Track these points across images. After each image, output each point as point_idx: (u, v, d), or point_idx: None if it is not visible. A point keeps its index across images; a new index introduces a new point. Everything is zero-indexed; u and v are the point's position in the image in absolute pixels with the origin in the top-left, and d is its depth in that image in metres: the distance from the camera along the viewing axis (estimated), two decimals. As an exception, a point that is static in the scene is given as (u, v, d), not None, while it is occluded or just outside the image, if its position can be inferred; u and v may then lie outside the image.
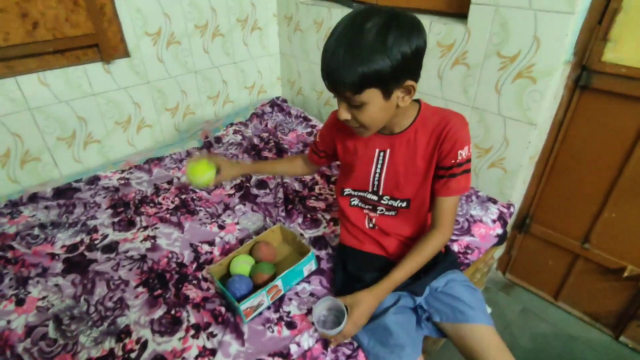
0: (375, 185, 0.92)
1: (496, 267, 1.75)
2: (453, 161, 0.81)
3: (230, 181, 1.42)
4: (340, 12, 1.65)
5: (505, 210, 1.25)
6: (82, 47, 1.39)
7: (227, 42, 1.82)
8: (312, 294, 0.99)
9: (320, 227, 1.23)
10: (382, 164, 0.89)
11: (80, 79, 1.44)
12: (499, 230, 1.19)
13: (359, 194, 0.97)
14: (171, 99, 1.73)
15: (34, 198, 1.35)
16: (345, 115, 0.76)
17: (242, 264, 1.02)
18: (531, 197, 1.49)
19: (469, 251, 1.13)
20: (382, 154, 0.88)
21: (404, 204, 0.92)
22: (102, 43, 1.39)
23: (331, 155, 1.05)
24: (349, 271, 0.99)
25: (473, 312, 0.86)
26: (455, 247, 1.13)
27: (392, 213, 0.96)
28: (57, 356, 0.86)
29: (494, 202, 1.28)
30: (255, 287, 0.97)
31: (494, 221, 1.21)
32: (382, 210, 0.96)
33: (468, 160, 0.82)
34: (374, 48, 0.65)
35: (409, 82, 0.72)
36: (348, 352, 0.87)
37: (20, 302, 0.98)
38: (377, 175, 0.91)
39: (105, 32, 1.41)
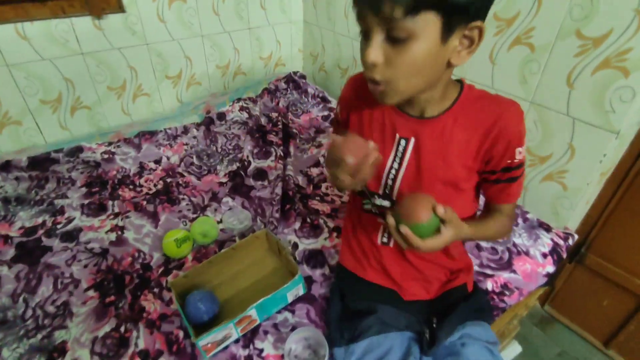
0: (389, 187, 0.68)
1: (533, 295, 1.47)
2: (509, 161, 0.62)
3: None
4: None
5: (561, 242, 0.96)
6: (65, -4, 1.19)
7: (241, 3, 1.57)
8: (294, 328, 0.77)
9: (320, 237, 0.99)
10: (402, 157, 0.65)
11: (66, 34, 1.25)
12: (550, 268, 0.91)
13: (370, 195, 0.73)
14: (173, 65, 1.52)
15: (6, 167, 1.19)
16: (375, 55, 0.51)
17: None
18: (592, 222, 1.18)
19: (507, 292, 0.86)
20: (403, 142, 0.65)
21: None
22: (88, -8, 1.19)
23: None
24: (347, 303, 0.76)
25: None
26: (489, 285, 0.87)
27: None
28: (-30, 375, 0.70)
29: (547, 229, 0.99)
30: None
31: (544, 255, 0.93)
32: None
33: (524, 158, 0.64)
34: None
35: (478, 23, 0.50)
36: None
37: (-48, 295, 0.83)
38: (392, 171, 0.67)
39: (94, -21, 1.20)
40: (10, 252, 0.94)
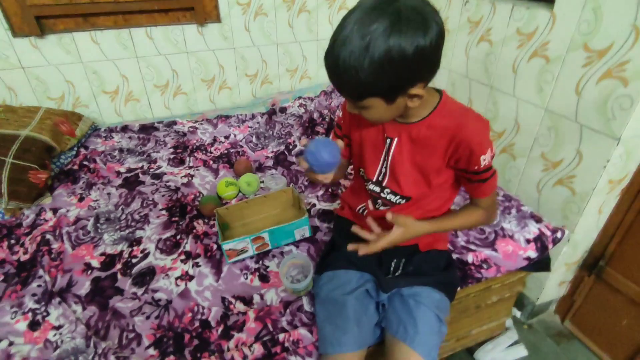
0: (382, 175, 0.84)
1: (555, 309, 1.47)
2: (477, 167, 0.74)
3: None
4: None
5: (548, 233, 1.03)
6: (181, 9, 1.62)
7: (312, 18, 1.88)
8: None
9: (335, 202, 1.21)
10: (388, 152, 0.81)
11: (177, 37, 1.68)
12: (532, 253, 0.99)
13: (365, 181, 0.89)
14: (252, 66, 1.89)
15: (125, 129, 1.65)
16: (352, 110, 0.72)
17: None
18: (610, 234, 1.20)
19: (485, 265, 0.97)
20: (389, 141, 0.80)
21: (403, 202, 0.83)
22: (197, 7, 1.60)
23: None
24: (334, 239, 0.98)
25: (417, 337, 0.76)
26: (470, 258, 0.99)
27: (388, 209, 0.86)
28: (84, 244, 1.06)
29: (538, 220, 1.07)
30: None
31: (528, 241, 1.01)
32: (379, 205, 0.88)
33: (491, 163, 0.75)
34: (372, 63, 0.59)
35: (414, 91, 0.65)
36: (306, 320, 0.86)
37: (81, 199, 1.23)
38: (385, 163, 0.82)
39: (202, -2, 1.61)
40: (119, 181, 1.33)
